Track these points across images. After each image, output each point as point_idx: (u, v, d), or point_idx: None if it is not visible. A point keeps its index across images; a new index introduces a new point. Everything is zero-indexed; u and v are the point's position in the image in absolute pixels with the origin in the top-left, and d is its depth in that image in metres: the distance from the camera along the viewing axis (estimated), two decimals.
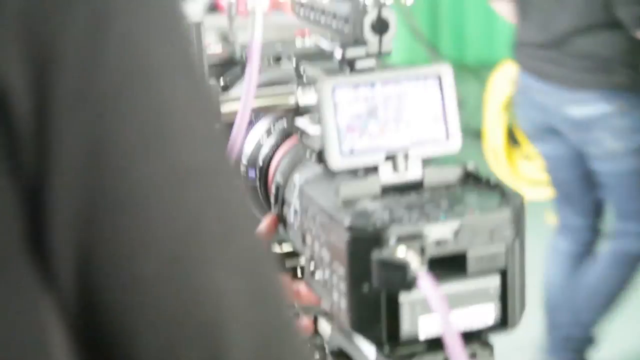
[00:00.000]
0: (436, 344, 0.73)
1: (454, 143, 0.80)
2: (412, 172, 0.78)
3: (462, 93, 4.93)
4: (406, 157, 0.78)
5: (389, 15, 0.80)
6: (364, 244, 0.70)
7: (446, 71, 0.80)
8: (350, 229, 0.71)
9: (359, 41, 0.80)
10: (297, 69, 0.90)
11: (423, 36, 5.16)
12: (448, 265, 0.72)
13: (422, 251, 0.70)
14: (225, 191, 0.47)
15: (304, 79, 0.89)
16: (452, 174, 0.79)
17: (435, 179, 0.78)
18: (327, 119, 0.76)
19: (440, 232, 0.71)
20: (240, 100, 0.77)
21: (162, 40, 0.45)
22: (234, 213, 0.47)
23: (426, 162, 0.79)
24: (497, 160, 4.07)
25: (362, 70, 0.80)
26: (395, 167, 0.77)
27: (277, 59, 1.03)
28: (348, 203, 0.74)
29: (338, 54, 0.81)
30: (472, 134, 4.21)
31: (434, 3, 5.81)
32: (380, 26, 0.79)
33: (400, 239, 0.70)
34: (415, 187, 0.78)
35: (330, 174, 0.78)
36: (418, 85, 0.79)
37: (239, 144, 0.78)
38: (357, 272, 0.71)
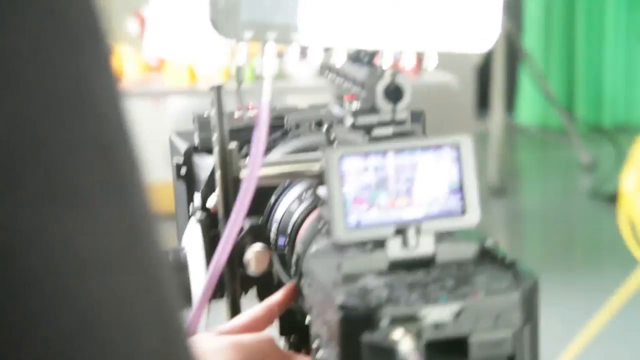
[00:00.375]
0: None
1: (472, 217, 0.75)
2: (423, 248, 0.74)
3: (596, 157, 4.82)
4: (418, 231, 0.74)
5: (404, 82, 0.76)
6: (355, 325, 0.66)
7: (465, 141, 0.76)
8: (342, 307, 0.67)
9: (375, 108, 0.77)
10: (327, 133, 0.87)
11: (555, 99, 5.05)
12: (449, 351, 0.68)
13: (419, 334, 0.66)
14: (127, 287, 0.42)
15: (334, 145, 0.86)
16: (467, 250, 0.74)
17: (448, 255, 0.74)
18: (333, 190, 0.73)
19: (439, 314, 0.67)
20: (248, 166, 0.75)
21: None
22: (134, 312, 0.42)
23: (441, 237, 0.75)
24: (632, 228, 3.93)
25: (376, 139, 0.77)
26: (405, 242, 0.73)
27: (319, 124, 1.00)
28: (350, 279, 0.71)
29: (348, 122, 0.77)
30: (605, 198, 4.10)
31: (569, 64, 5.70)
32: (394, 93, 0.76)
33: (395, 321, 0.66)
34: (426, 263, 0.73)
35: (339, 247, 0.75)
36: (434, 155, 0.75)
37: (240, 219, 0.75)
38: (348, 354, 0.67)
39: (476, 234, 0.77)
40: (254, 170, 0.75)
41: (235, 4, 0.72)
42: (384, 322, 0.66)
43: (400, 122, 0.77)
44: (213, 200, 0.93)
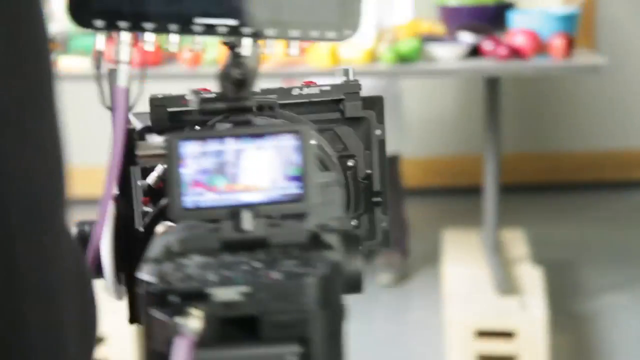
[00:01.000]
0: None
1: (309, 203, 0.78)
2: (256, 231, 0.77)
3: None
4: (254, 215, 0.77)
5: (248, 69, 0.80)
6: (149, 300, 0.71)
7: (306, 130, 0.78)
8: (141, 282, 0.71)
9: (223, 95, 0.81)
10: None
11: None
12: (243, 329, 0.71)
13: (208, 313, 0.70)
14: None
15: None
16: (298, 235, 0.77)
17: (280, 238, 0.77)
18: (171, 172, 0.77)
19: (229, 294, 0.70)
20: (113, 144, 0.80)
21: None
22: None
23: (277, 221, 0.78)
24: None
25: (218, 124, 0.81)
26: (238, 225, 0.77)
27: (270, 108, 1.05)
28: (171, 256, 0.75)
29: (194, 105, 0.82)
30: None
31: None
32: (239, 80, 0.80)
33: (185, 298, 0.70)
34: (260, 245, 0.77)
35: (184, 226, 0.79)
36: (274, 142, 0.78)
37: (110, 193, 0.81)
38: (144, 328, 0.71)
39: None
40: (116, 152, 0.80)
41: None
42: (174, 299, 0.70)
43: (246, 108, 0.81)
44: (152, 178, 0.99)
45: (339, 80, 1.09)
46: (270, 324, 0.70)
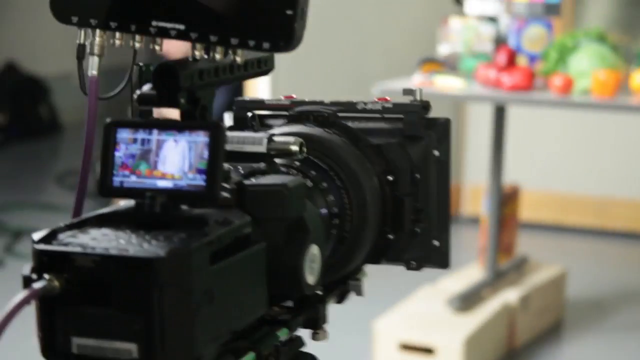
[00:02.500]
0: None
1: (212, 197, 0.85)
2: (163, 214, 0.85)
3: None
4: (162, 199, 0.85)
5: (174, 67, 0.88)
6: (32, 257, 0.83)
7: (218, 128, 0.85)
8: (33, 241, 0.83)
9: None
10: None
11: None
12: (100, 293, 0.80)
13: (67, 274, 0.80)
14: None
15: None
16: (190, 220, 0.84)
17: (181, 223, 0.85)
18: (106, 155, 0.88)
19: (85, 261, 0.80)
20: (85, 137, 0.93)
21: None
22: None
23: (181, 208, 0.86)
24: None
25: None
26: (151, 205, 0.86)
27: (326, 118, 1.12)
28: (82, 226, 0.86)
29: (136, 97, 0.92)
30: None
31: None
32: (165, 75, 0.89)
33: (52, 260, 0.81)
34: (162, 226, 0.85)
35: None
36: (189, 137, 0.86)
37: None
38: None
39: None
40: (89, 132, 0.93)
41: None
42: (44, 259, 0.81)
43: (175, 103, 0.89)
44: None
45: (406, 99, 1.12)
46: (116, 292, 0.79)
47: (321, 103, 1.13)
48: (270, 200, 0.91)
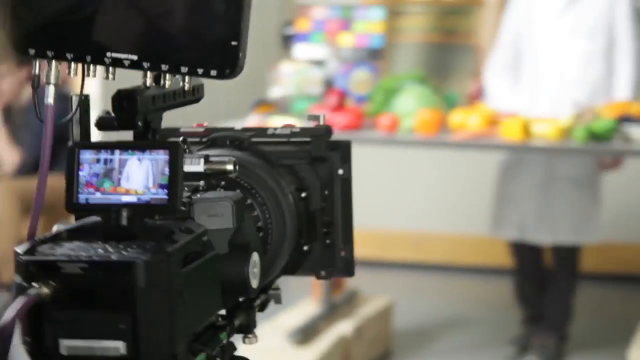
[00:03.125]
0: None
1: (174, 209, 0.94)
2: (128, 225, 0.94)
3: None
4: (127, 212, 0.94)
5: (134, 95, 0.98)
6: (17, 268, 0.90)
7: (176, 146, 0.95)
8: (19, 254, 0.90)
9: None
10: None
11: None
12: (87, 299, 0.88)
13: (56, 282, 0.88)
14: None
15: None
16: (157, 230, 0.94)
17: (147, 234, 0.94)
18: (70, 174, 0.96)
19: (72, 268, 0.88)
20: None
21: None
22: None
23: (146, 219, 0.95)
24: None
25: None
26: (116, 219, 0.94)
27: (232, 141, 1.22)
28: (56, 240, 0.94)
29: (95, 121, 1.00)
30: None
31: None
32: (125, 103, 0.98)
33: (40, 269, 0.88)
34: (129, 237, 0.94)
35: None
36: (150, 156, 0.95)
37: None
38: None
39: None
40: (45, 157, 1.01)
41: (20, 26, 0.98)
42: (32, 268, 0.88)
43: (133, 126, 0.98)
44: None
45: (311, 124, 1.24)
46: (102, 296, 0.87)
47: (233, 129, 1.24)
48: (217, 212, 1.01)
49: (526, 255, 3.95)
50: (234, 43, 0.95)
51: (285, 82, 3.83)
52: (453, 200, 5.14)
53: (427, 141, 3.54)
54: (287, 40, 4.09)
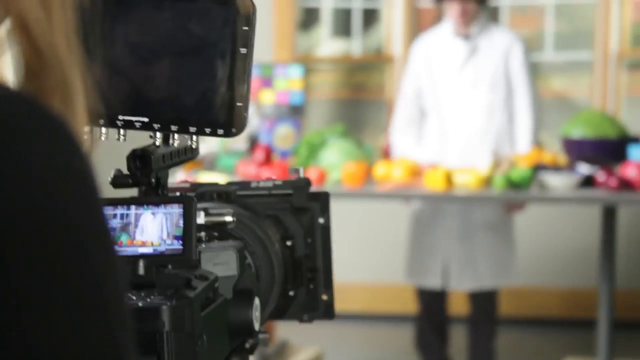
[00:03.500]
0: None
1: (189, 259, 1.01)
2: (146, 275, 1.01)
3: None
4: (145, 263, 1.01)
5: (149, 154, 1.05)
6: None
7: (190, 200, 1.02)
8: None
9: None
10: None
11: None
12: None
13: None
14: None
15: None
16: (175, 279, 1.01)
17: (165, 282, 1.01)
18: None
19: None
20: None
21: None
22: None
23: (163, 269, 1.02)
24: None
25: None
26: (134, 270, 1.01)
27: (219, 196, 1.29)
28: None
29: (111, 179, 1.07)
30: None
31: None
32: (140, 161, 1.05)
33: None
34: (148, 285, 1.01)
35: None
36: (165, 209, 1.02)
37: None
38: None
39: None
40: None
41: None
42: None
43: (148, 183, 1.05)
44: None
45: (292, 177, 1.33)
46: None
47: (217, 184, 1.32)
48: (222, 260, 1.09)
49: (431, 301, 4.07)
50: (239, 104, 1.03)
51: (210, 139, 3.91)
52: (374, 249, 5.26)
53: (355, 193, 3.65)
54: None
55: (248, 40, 1.03)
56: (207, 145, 3.96)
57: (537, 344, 4.92)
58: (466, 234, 3.96)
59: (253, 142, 3.94)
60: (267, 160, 3.72)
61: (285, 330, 4.53)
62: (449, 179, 3.58)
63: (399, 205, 4.23)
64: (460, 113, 3.95)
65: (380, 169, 3.73)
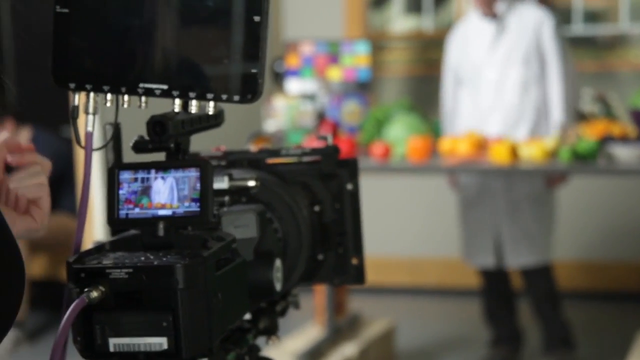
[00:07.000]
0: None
1: (206, 220, 1.06)
2: (166, 237, 1.06)
3: None
4: (164, 225, 1.06)
5: (166, 120, 1.09)
6: (69, 276, 1.01)
7: (206, 165, 1.07)
8: (70, 263, 1.02)
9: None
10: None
11: None
12: (132, 299, 1.00)
13: (104, 286, 0.99)
14: None
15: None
16: (191, 240, 1.05)
17: (183, 243, 1.05)
18: (111, 193, 1.07)
19: (118, 273, 0.99)
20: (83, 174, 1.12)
21: None
22: None
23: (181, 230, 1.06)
24: None
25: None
26: (154, 231, 1.06)
27: (250, 162, 1.34)
28: (101, 251, 1.05)
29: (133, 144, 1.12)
30: None
31: None
32: (158, 127, 1.09)
33: (90, 275, 1.00)
34: (167, 246, 1.05)
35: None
36: (183, 173, 1.07)
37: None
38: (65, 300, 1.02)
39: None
40: (86, 179, 1.12)
41: (61, 63, 1.09)
42: (83, 275, 1.00)
43: (167, 148, 1.10)
44: None
45: (321, 144, 1.36)
46: (146, 298, 0.99)
47: (248, 151, 1.36)
48: (242, 223, 1.13)
49: (493, 278, 4.06)
50: (254, 71, 1.06)
51: (279, 116, 3.96)
52: (445, 225, 5.26)
53: (420, 167, 3.66)
54: (278, 76, 4.22)
55: (262, 9, 1.06)
56: (277, 121, 4.01)
57: (613, 317, 4.88)
58: (513, 209, 3.94)
59: (321, 118, 3.97)
60: (335, 136, 3.75)
61: (357, 303, 4.57)
62: (514, 152, 3.57)
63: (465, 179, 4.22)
64: (496, 90, 3.93)
65: (445, 143, 3.73)
